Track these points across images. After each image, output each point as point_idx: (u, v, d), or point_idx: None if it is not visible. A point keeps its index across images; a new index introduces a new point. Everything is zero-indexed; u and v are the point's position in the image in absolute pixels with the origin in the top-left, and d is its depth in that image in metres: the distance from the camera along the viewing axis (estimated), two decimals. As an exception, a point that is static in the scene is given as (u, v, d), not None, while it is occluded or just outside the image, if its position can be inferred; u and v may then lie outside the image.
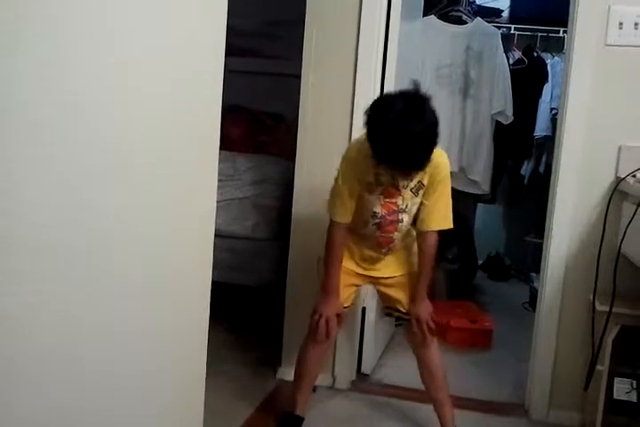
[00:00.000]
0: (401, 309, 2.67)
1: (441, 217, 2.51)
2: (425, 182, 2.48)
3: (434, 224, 2.52)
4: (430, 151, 2.28)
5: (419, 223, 2.56)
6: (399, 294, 2.67)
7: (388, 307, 2.77)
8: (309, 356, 2.71)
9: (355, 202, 2.51)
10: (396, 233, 2.57)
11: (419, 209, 2.54)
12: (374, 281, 2.74)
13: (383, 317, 2.99)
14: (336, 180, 2.53)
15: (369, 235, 2.59)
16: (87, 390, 1.22)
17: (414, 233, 2.64)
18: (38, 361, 1.08)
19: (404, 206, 2.51)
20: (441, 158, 2.46)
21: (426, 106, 2.26)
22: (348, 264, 2.65)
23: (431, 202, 2.49)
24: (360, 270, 2.68)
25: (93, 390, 1.24)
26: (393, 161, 2.30)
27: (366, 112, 2.32)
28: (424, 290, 2.63)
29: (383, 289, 2.72)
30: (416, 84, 2.38)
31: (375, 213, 2.52)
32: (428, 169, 2.41)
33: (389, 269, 2.68)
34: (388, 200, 2.50)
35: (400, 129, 2.21)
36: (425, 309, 2.62)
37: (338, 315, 2.62)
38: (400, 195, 2.49)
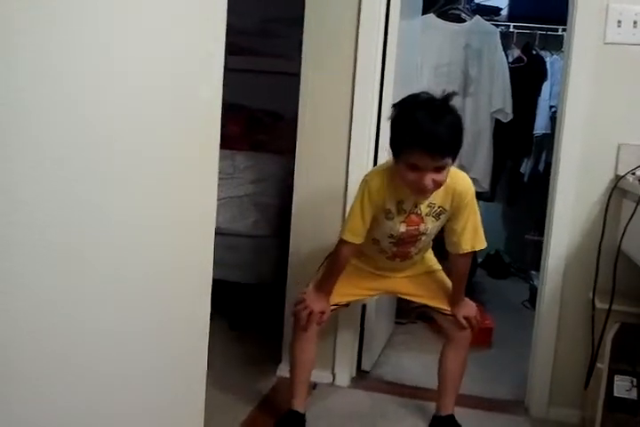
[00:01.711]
0: (442, 308, 2.72)
1: (471, 238, 2.52)
2: (447, 208, 2.49)
3: (466, 246, 2.53)
4: (459, 137, 2.34)
5: (450, 247, 2.59)
6: (429, 292, 2.73)
7: (424, 307, 2.81)
8: (296, 346, 2.72)
9: (368, 226, 2.51)
10: (413, 248, 2.62)
11: (445, 230, 2.58)
12: (394, 290, 2.80)
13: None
14: (355, 202, 2.54)
15: (385, 249, 2.62)
16: (86, 389, 1.22)
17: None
18: (36, 360, 1.08)
19: (425, 230, 2.55)
20: (464, 182, 2.48)
21: (453, 108, 2.35)
22: (366, 268, 2.70)
23: (460, 227, 2.50)
24: (378, 272, 2.72)
25: (92, 388, 1.24)
26: (421, 141, 2.28)
27: (395, 105, 2.40)
28: (462, 294, 2.71)
29: (406, 293, 2.78)
30: (452, 94, 2.40)
31: (392, 235, 2.55)
32: (450, 195, 2.44)
33: (407, 271, 2.73)
34: (409, 227, 2.52)
35: (432, 106, 2.29)
36: (469, 307, 2.71)
37: (322, 313, 2.64)
38: (422, 222, 2.52)
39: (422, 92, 2.40)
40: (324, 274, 2.66)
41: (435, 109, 2.30)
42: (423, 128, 2.28)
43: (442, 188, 2.39)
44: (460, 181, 2.46)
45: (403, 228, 2.52)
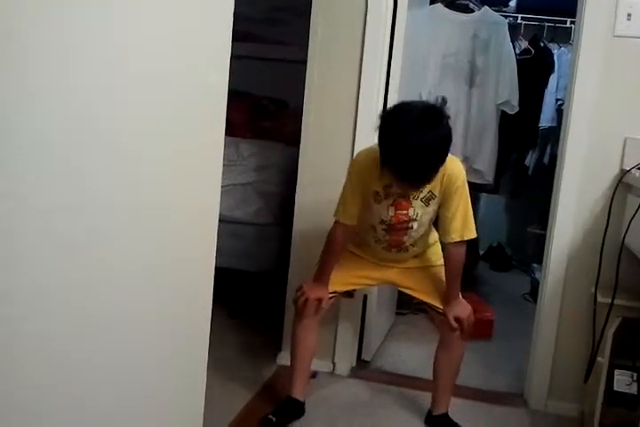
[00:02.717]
0: (434, 305, 2.68)
1: (461, 227, 2.48)
2: (436, 193, 2.48)
3: (455, 235, 2.49)
4: (436, 166, 2.29)
5: (440, 235, 2.58)
6: (425, 287, 2.70)
7: (422, 303, 2.80)
8: (296, 334, 2.74)
9: (359, 207, 2.52)
10: (405, 237, 2.60)
11: (437, 218, 2.56)
12: (392, 281, 2.79)
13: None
14: (345, 182, 2.54)
15: (380, 238, 2.62)
16: (87, 377, 1.22)
17: (434, 235, 2.70)
18: (37, 349, 1.08)
19: (414, 216, 2.53)
20: (454, 166, 2.44)
21: (442, 120, 2.25)
22: (366, 257, 2.71)
23: (449, 213, 2.48)
24: (378, 262, 2.71)
25: (93, 376, 1.24)
26: (396, 170, 2.30)
27: (381, 115, 2.33)
28: (455, 292, 2.64)
29: (403, 285, 2.78)
30: (444, 101, 2.36)
31: (383, 220, 2.55)
32: (440, 179, 2.41)
33: (407, 263, 2.72)
34: (398, 211, 2.51)
35: (409, 138, 2.20)
36: (462, 307, 2.64)
37: (320, 300, 2.65)
38: (411, 206, 2.50)
39: (411, 103, 2.35)
40: (321, 260, 2.67)
41: (413, 130, 2.20)
42: (396, 159, 2.26)
43: None
44: (450, 165, 2.40)
45: (392, 211, 2.51)
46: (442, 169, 2.36)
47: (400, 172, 2.29)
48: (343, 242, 2.61)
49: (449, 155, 2.36)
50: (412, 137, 2.20)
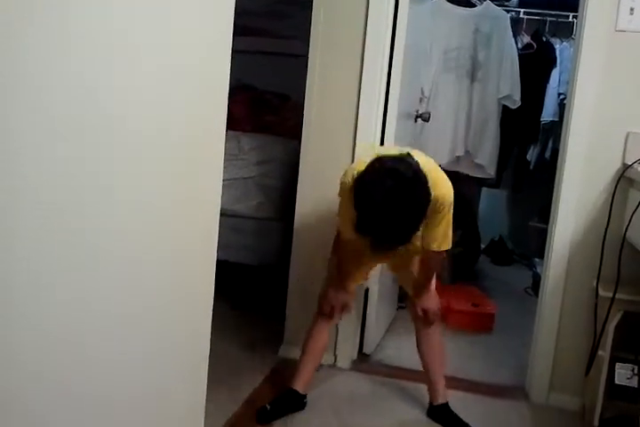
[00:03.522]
0: (409, 293, 2.80)
1: (440, 240, 2.49)
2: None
3: (434, 245, 2.51)
4: (410, 233, 2.26)
5: (422, 241, 2.56)
6: (405, 271, 2.78)
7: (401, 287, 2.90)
8: (315, 329, 2.80)
9: (351, 226, 2.40)
10: (394, 252, 2.60)
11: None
12: (387, 264, 2.88)
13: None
14: (340, 201, 2.52)
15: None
16: (90, 368, 1.23)
17: None
18: (39, 340, 1.08)
19: None
20: (443, 191, 2.38)
21: (416, 188, 2.19)
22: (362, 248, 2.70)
23: (433, 227, 2.45)
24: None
25: (97, 368, 1.24)
26: (374, 241, 2.29)
27: (356, 178, 2.28)
28: (427, 286, 2.71)
29: (393, 268, 2.88)
30: (411, 159, 2.28)
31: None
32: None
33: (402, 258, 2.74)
34: None
35: (381, 213, 2.17)
36: (431, 301, 2.73)
37: (345, 305, 2.77)
38: None
39: (382, 167, 2.23)
40: (335, 267, 2.72)
41: (386, 202, 2.15)
42: (367, 230, 2.25)
43: None
44: (441, 189, 2.36)
45: None
46: (434, 191, 2.30)
47: (376, 242, 2.30)
48: (351, 243, 2.59)
49: (440, 175, 2.39)
50: (386, 210, 2.16)
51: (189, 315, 1.62)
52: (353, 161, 3.00)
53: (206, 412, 1.79)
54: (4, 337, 1.00)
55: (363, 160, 2.35)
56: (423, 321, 2.76)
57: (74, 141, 1.08)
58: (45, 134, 1.02)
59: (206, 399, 1.77)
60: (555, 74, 4.65)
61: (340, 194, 2.47)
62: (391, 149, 2.64)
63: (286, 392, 2.77)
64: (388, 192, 2.14)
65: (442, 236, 2.48)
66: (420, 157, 2.36)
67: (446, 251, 2.58)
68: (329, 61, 3.03)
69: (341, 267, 2.70)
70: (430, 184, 2.25)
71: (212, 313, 1.73)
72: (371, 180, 2.22)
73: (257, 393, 2.87)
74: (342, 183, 2.41)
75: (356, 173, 2.32)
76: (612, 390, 2.66)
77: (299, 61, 3.28)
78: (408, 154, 2.33)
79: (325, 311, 2.76)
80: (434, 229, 2.45)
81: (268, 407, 2.71)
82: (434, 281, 2.73)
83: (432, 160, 2.47)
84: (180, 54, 1.39)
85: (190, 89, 1.45)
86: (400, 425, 2.77)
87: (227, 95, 1.64)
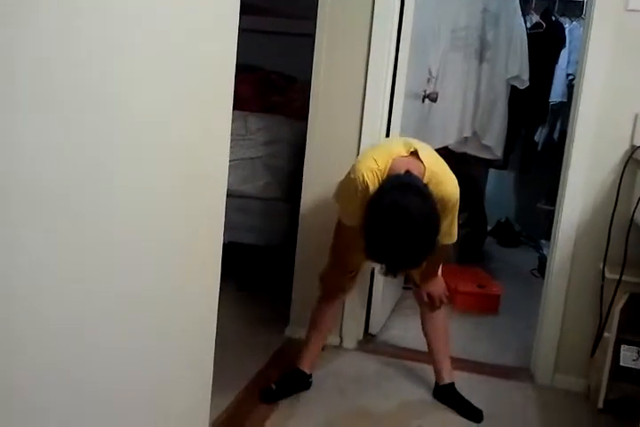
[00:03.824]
0: (415, 279, 2.79)
1: (446, 234, 2.46)
2: None
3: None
4: (419, 255, 2.23)
5: None
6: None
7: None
8: (320, 309, 2.81)
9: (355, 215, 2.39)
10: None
11: None
12: None
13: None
14: (343, 191, 2.52)
15: None
16: (96, 351, 1.23)
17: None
18: (41, 324, 1.08)
19: None
20: (450, 188, 2.38)
21: (427, 228, 2.17)
22: None
23: None
24: None
25: (101, 350, 1.25)
26: (387, 267, 2.28)
27: (366, 208, 2.23)
28: (433, 273, 2.72)
29: None
30: (419, 183, 2.26)
31: None
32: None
33: None
34: None
35: (396, 227, 2.14)
36: (437, 286, 2.73)
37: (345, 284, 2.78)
38: None
39: (392, 199, 2.18)
40: (337, 250, 2.72)
41: (396, 225, 2.13)
42: (378, 260, 2.27)
43: None
44: (446, 187, 2.37)
45: None
46: (439, 192, 2.31)
47: (386, 269, 2.28)
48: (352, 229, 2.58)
49: (447, 174, 2.39)
50: (398, 249, 2.16)
51: (196, 296, 1.62)
52: (360, 143, 3.00)
53: (212, 392, 1.80)
54: (5, 325, 1.00)
55: (371, 156, 2.37)
56: (429, 306, 2.77)
57: (75, 120, 1.08)
58: (45, 112, 1.01)
59: (212, 380, 1.78)
60: (564, 54, 4.62)
61: (345, 186, 2.46)
62: (396, 141, 2.57)
63: (292, 372, 2.79)
64: (400, 236, 2.13)
65: (447, 230, 2.48)
66: (426, 156, 2.36)
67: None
68: (336, 41, 3.01)
69: (342, 251, 2.69)
70: (436, 182, 2.31)
71: (219, 293, 1.73)
72: (382, 222, 2.17)
73: (263, 373, 2.89)
74: (352, 180, 2.38)
75: (364, 177, 2.32)
76: (617, 371, 2.66)
77: (305, 41, 3.26)
78: (415, 151, 2.35)
79: (327, 294, 2.78)
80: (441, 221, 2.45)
81: (274, 387, 2.73)
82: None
83: (436, 154, 2.47)
84: (187, 33, 1.38)
85: (197, 68, 1.45)
86: (405, 405, 2.78)
87: (233, 75, 1.63)
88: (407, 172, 2.26)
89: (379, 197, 2.22)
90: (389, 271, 2.28)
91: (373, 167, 2.33)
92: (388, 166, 2.32)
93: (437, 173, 2.35)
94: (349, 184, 2.41)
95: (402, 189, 2.20)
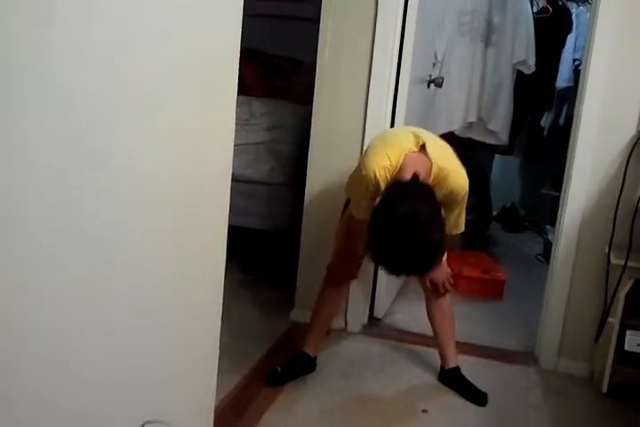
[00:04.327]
0: None
1: (453, 226, 2.51)
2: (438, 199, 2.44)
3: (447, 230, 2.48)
4: (425, 260, 2.21)
5: None
6: None
7: None
8: (326, 292, 2.82)
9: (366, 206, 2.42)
10: None
11: None
12: None
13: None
14: (355, 185, 2.52)
15: None
16: (102, 334, 1.24)
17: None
18: (34, 316, 1.07)
19: None
20: (460, 182, 2.42)
21: (434, 235, 2.16)
22: None
23: (446, 216, 2.44)
24: None
25: (104, 335, 1.25)
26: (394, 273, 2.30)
27: (372, 216, 2.23)
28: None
29: None
30: (426, 189, 2.26)
31: None
32: (441, 192, 2.36)
33: None
34: None
35: (401, 232, 2.13)
36: (441, 273, 2.71)
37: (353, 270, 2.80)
38: None
39: (398, 207, 2.16)
40: (342, 241, 2.73)
41: (402, 236, 2.12)
42: (385, 264, 2.25)
43: (436, 185, 2.35)
44: (455, 181, 2.40)
45: None
46: (449, 187, 2.37)
47: (393, 273, 2.30)
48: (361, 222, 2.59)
49: (457, 166, 2.41)
50: (405, 240, 2.13)
51: (201, 281, 1.63)
52: (364, 127, 2.99)
53: (218, 375, 1.81)
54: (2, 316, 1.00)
55: (384, 153, 2.36)
56: (433, 292, 2.77)
57: (74, 103, 1.08)
58: (47, 93, 1.02)
59: (218, 362, 1.79)
60: (570, 39, 4.59)
61: (357, 181, 2.46)
62: (404, 133, 2.51)
63: (297, 355, 2.81)
64: (404, 247, 2.12)
65: (455, 221, 2.51)
66: (434, 151, 2.37)
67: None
68: (340, 26, 2.99)
69: (352, 239, 2.69)
70: (444, 176, 2.35)
71: (224, 277, 1.74)
72: (386, 233, 2.17)
73: (268, 356, 2.90)
74: (363, 176, 2.39)
75: (376, 174, 2.33)
76: (622, 356, 2.67)
77: (310, 25, 3.24)
78: (423, 145, 2.36)
79: (333, 281, 2.80)
80: (448, 214, 2.46)
81: (279, 370, 2.75)
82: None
83: (444, 145, 2.48)
84: (190, 17, 1.37)
85: (200, 53, 1.44)
86: (410, 389, 2.80)
87: (237, 59, 1.63)
88: (414, 176, 2.26)
89: (384, 207, 2.21)
90: (392, 274, 2.31)
91: (386, 164, 2.34)
92: (400, 162, 2.34)
93: (445, 168, 2.37)
94: (361, 180, 2.42)
95: (407, 198, 2.19)
